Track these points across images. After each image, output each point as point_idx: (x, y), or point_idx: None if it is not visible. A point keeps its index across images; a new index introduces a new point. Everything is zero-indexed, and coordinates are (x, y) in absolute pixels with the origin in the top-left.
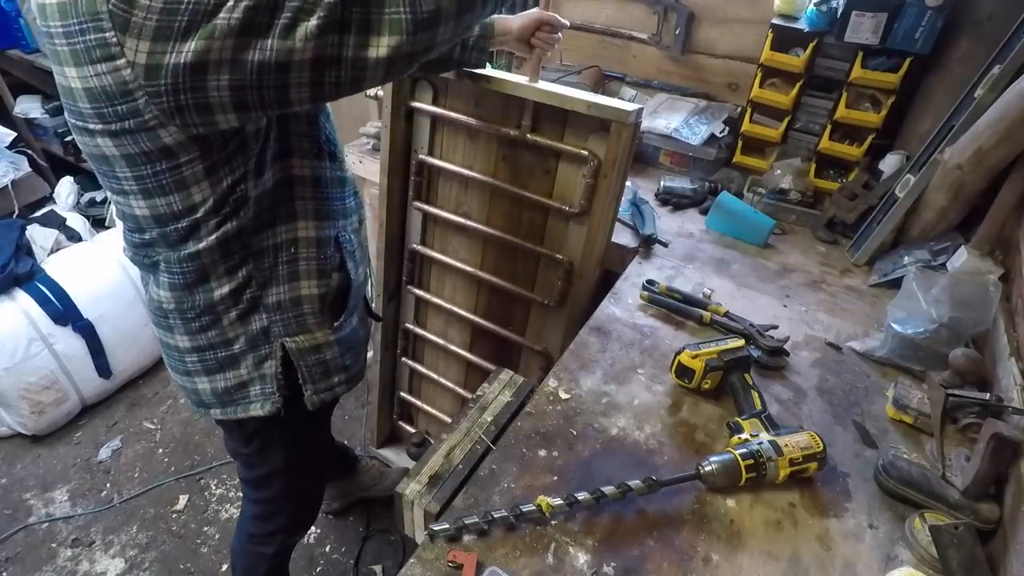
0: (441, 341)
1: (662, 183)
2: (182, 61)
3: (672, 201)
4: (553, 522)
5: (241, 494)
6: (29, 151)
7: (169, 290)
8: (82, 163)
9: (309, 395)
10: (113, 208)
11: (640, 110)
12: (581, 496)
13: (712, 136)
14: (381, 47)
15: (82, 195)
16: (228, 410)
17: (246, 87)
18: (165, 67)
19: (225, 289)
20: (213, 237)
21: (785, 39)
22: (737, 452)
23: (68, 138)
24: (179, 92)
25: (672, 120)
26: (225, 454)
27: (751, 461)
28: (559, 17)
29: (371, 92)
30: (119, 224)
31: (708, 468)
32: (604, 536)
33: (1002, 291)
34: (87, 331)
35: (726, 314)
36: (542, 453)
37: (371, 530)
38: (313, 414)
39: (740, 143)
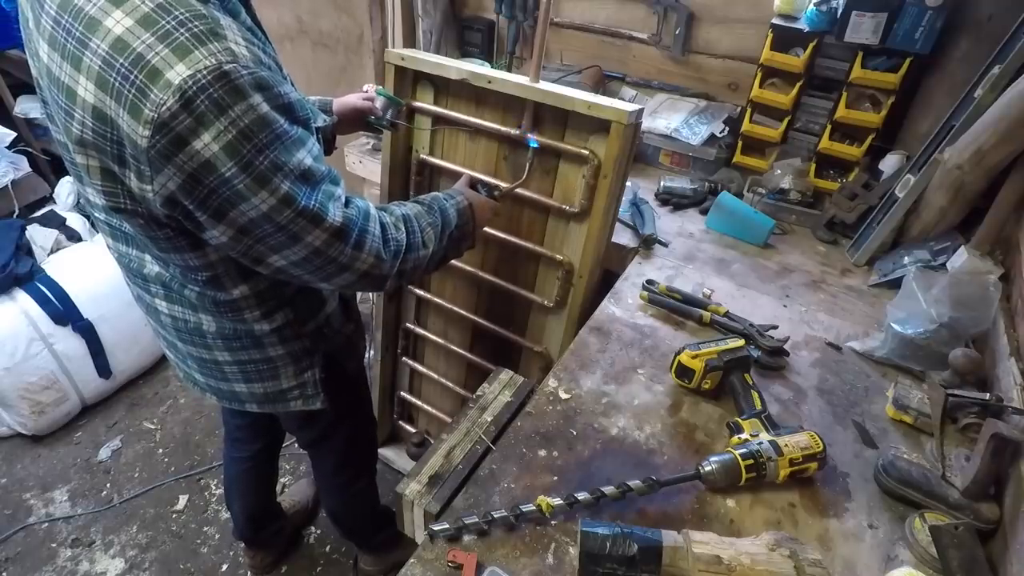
0: (441, 341)
1: (662, 183)
2: (201, 219)
3: (672, 201)
4: (553, 522)
5: None
6: (29, 151)
7: (212, 317)
8: None
9: (352, 370)
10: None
11: (640, 110)
12: (581, 496)
13: (712, 136)
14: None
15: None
16: (266, 406)
17: (243, 252)
18: (182, 207)
19: (266, 327)
20: (245, 286)
21: (785, 39)
22: (737, 452)
23: None
24: (185, 220)
25: (672, 120)
26: None
27: (751, 461)
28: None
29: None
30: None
31: (708, 468)
32: None
33: (1002, 291)
34: (87, 331)
35: (726, 314)
36: (542, 453)
37: None
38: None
39: (740, 143)
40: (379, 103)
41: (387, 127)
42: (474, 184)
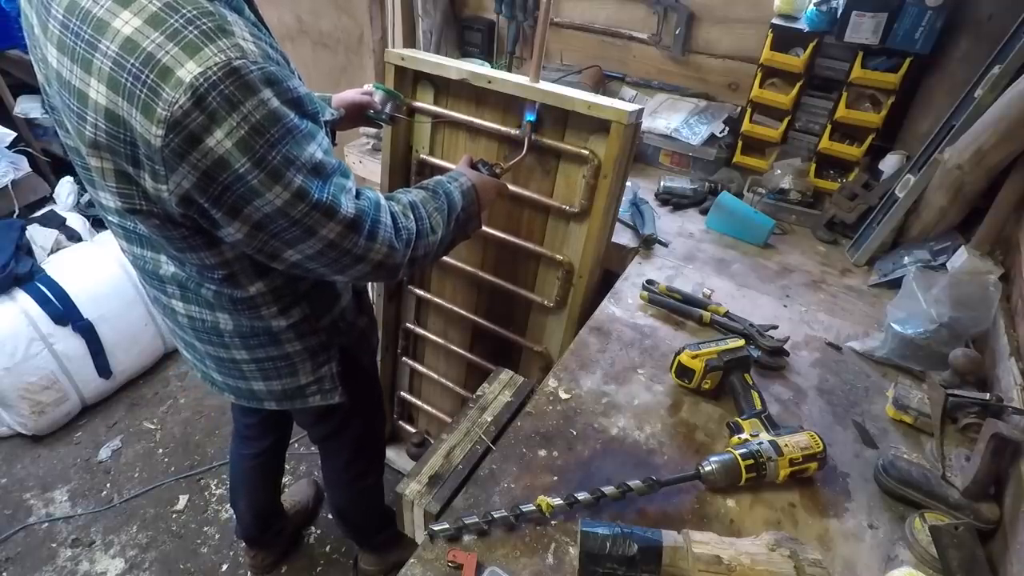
0: (441, 341)
1: (662, 183)
2: (216, 217)
3: (672, 201)
4: (553, 522)
5: None
6: (29, 151)
7: (229, 315)
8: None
9: (366, 363)
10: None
11: (640, 110)
12: (581, 496)
13: (712, 136)
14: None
15: (82, 195)
16: (285, 403)
17: (258, 248)
18: (197, 205)
19: (283, 323)
20: (261, 283)
21: (785, 39)
22: (737, 452)
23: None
24: (201, 218)
25: (672, 120)
26: (225, 454)
27: (751, 461)
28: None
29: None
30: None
31: (708, 468)
32: None
33: (1002, 291)
34: (87, 331)
35: (726, 314)
36: (542, 453)
37: None
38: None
39: (740, 143)
40: (377, 97)
41: (386, 121)
42: (474, 164)
